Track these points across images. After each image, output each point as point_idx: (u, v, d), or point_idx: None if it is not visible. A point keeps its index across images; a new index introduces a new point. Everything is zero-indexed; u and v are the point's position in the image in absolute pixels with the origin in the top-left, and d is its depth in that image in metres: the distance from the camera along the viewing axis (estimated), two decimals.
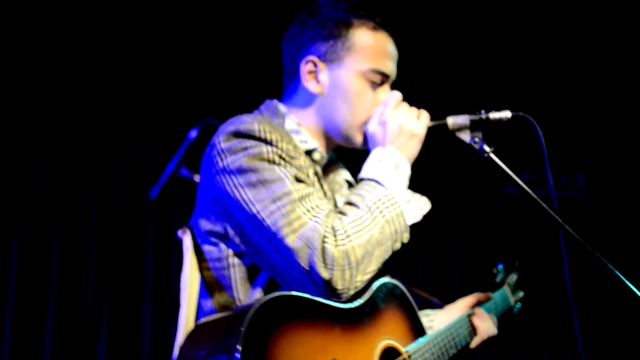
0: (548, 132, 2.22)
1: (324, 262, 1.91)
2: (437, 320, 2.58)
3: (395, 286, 2.28)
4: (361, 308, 2.08)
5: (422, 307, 4.28)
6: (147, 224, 4.85)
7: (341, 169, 2.42)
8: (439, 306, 4.26)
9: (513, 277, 3.06)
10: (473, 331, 2.57)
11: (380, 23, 2.24)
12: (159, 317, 4.79)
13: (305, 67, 2.22)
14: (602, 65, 5.69)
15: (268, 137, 2.03)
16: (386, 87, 2.26)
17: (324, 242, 1.92)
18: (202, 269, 2.17)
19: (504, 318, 2.88)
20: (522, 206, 4.94)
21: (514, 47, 5.59)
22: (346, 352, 1.95)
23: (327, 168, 2.38)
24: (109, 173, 4.79)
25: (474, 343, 2.57)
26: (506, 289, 3.00)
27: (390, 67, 2.25)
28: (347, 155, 2.41)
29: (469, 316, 2.59)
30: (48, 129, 4.62)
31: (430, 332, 2.38)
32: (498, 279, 2.99)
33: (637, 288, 1.97)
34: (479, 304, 2.67)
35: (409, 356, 2.19)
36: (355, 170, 2.31)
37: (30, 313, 4.46)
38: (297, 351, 1.83)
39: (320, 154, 2.24)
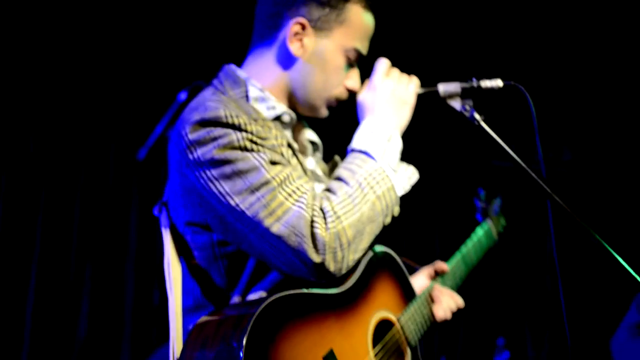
0: (536, 106, 2.22)
1: (315, 247, 1.88)
2: None
3: (384, 252, 2.24)
4: (353, 288, 2.05)
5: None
6: (134, 186, 4.84)
7: (305, 128, 2.35)
8: None
9: (495, 205, 2.94)
10: (430, 311, 2.38)
11: (371, 4, 2.21)
12: (141, 283, 4.80)
13: (294, 28, 2.14)
14: (594, 47, 5.69)
15: (236, 121, 1.94)
16: (356, 68, 2.24)
17: (312, 227, 1.88)
18: (186, 257, 2.10)
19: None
20: (510, 179, 4.95)
21: (504, 20, 5.58)
22: (342, 337, 1.93)
23: (294, 128, 2.28)
24: (96, 134, 4.77)
25: (439, 319, 2.38)
26: (489, 223, 2.89)
27: (366, 49, 2.23)
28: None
29: (429, 292, 2.42)
30: (36, 90, 4.59)
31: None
32: (481, 210, 2.89)
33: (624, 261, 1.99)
34: (436, 274, 2.52)
35: (402, 327, 2.18)
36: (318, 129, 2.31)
37: (13, 276, 4.45)
38: (297, 350, 1.80)
39: (290, 115, 2.17)
